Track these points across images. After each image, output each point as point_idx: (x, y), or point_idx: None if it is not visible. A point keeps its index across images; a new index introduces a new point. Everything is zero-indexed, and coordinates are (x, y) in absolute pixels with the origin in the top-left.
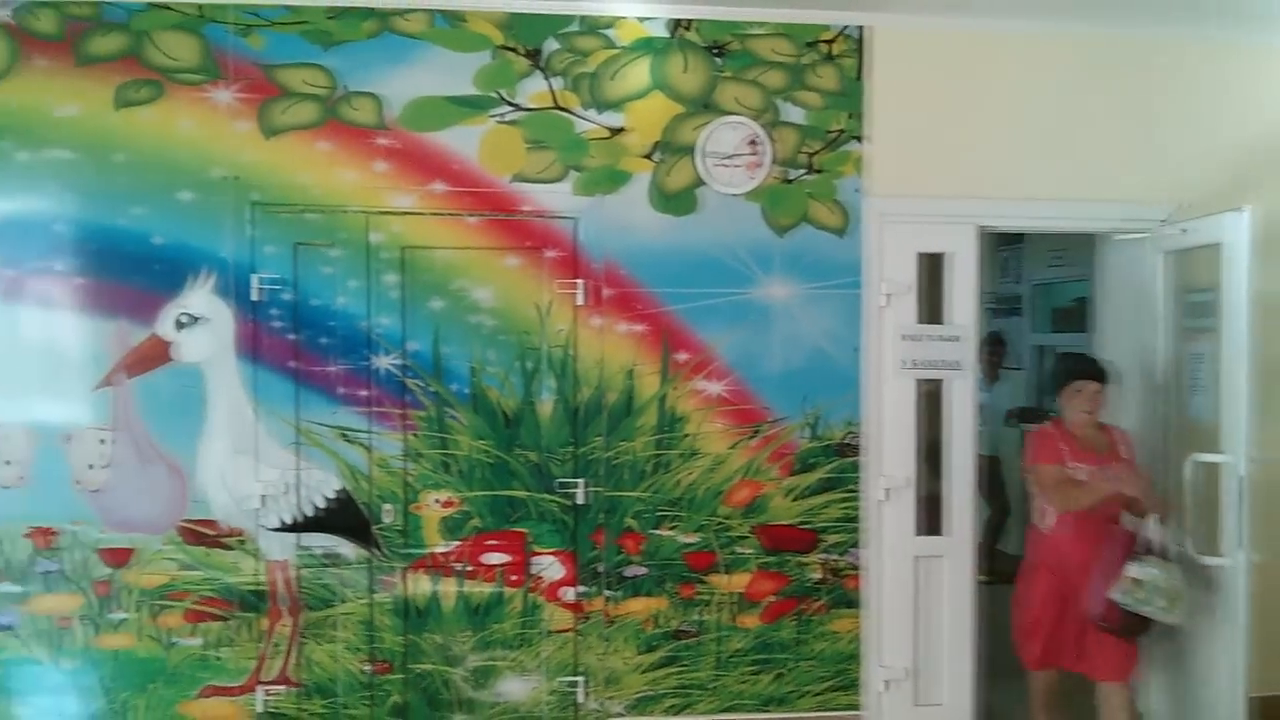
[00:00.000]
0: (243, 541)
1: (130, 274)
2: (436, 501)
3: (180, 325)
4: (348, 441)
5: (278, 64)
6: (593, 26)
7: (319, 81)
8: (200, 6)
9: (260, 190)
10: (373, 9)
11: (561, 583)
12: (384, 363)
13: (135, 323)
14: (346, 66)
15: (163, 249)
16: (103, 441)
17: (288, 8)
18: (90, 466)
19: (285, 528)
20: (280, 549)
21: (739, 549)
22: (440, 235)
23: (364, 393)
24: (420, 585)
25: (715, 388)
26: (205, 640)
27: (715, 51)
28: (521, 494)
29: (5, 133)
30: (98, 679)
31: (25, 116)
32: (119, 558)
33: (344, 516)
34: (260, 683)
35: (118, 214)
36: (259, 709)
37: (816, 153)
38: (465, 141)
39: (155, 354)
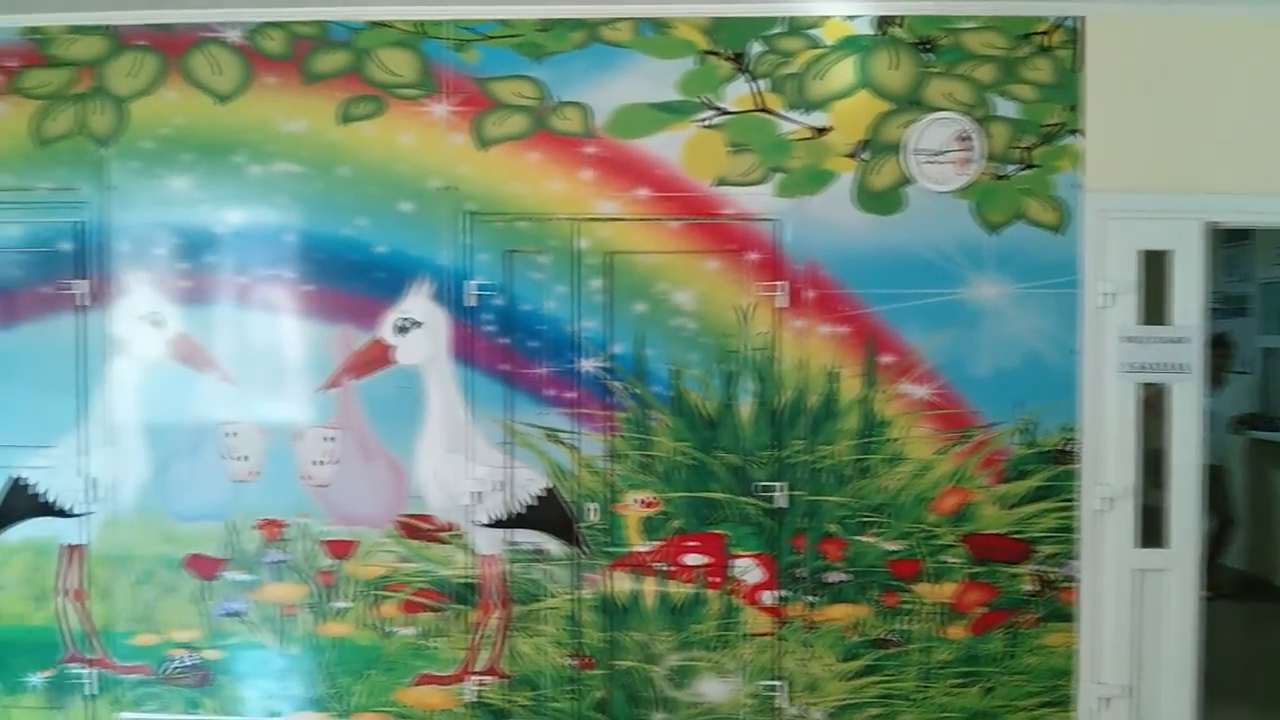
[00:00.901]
0: (456, 536)
1: (354, 281)
2: (638, 501)
3: (400, 330)
4: (554, 441)
5: (490, 77)
6: (798, 27)
7: (529, 93)
8: (418, 23)
9: (475, 200)
10: (582, 20)
11: (761, 586)
12: (589, 365)
13: (358, 327)
14: (555, 77)
15: (384, 257)
16: (328, 439)
17: (500, 22)
18: (316, 463)
19: (495, 524)
20: (491, 544)
21: (946, 558)
22: (643, 240)
23: (570, 394)
24: (622, 583)
25: (921, 391)
26: (420, 630)
27: (924, 47)
28: (721, 496)
29: (238, 147)
30: (320, 664)
31: (256, 132)
32: (341, 549)
33: (550, 514)
34: (470, 673)
35: (342, 224)
36: (469, 698)
37: (1031, 147)
38: (668, 147)
39: (377, 357)
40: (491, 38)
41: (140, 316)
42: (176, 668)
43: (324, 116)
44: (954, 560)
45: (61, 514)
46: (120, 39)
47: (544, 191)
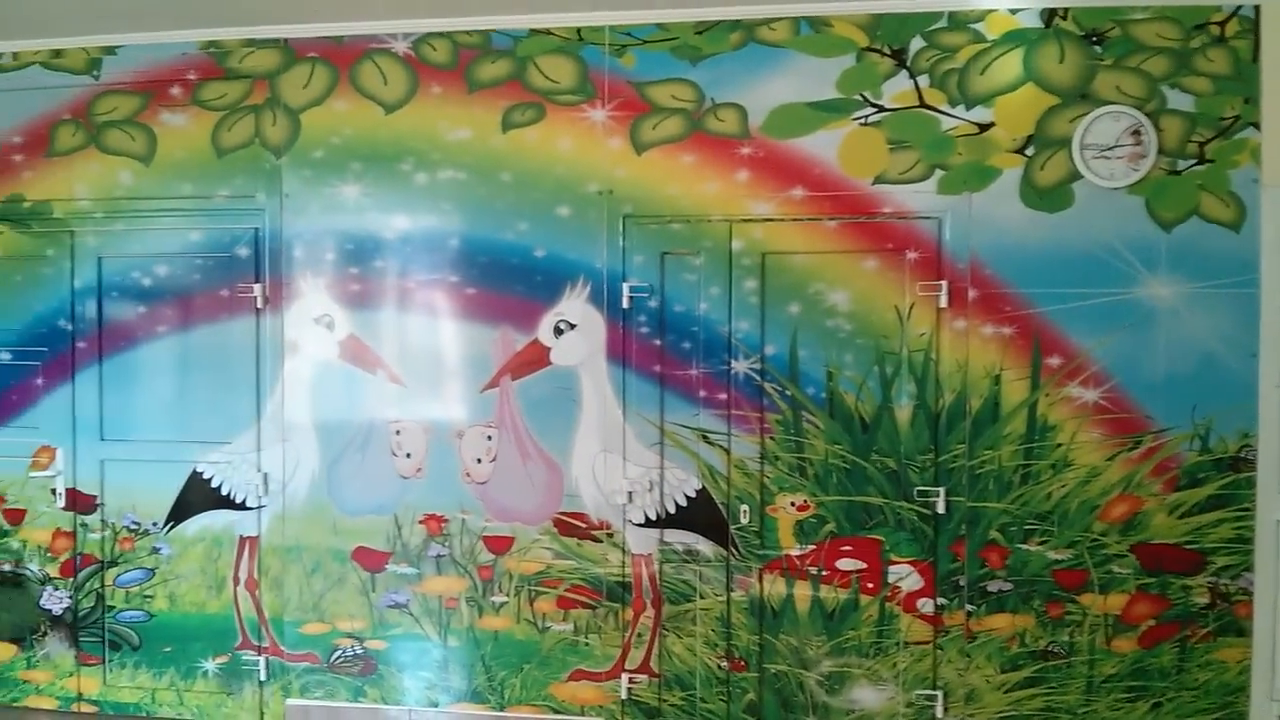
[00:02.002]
0: (610, 534)
1: (514, 284)
2: (791, 504)
3: (558, 331)
4: (707, 443)
5: (648, 81)
6: (961, 22)
7: (686, 96)
8: (578, 30)
9: (631, 203)
10: (739, 21)
11: (919, 593)
12: (742, 367)
13: (517, 329)
14: (711, 79)
15: (543, 261)
16: (489, 438)
17: (658, 25)
18: (478, 461)
19: (649, 523)
20: (644, 543)
21: (1114, 568)
22: (798, 240)
23: (723, 396)
24: (775, 586)
25: (1091, 395)
26: (575, 626)
27: (1093, 39)
28: (877, 500)
29: (406, 155)
30: (479, 657)
31: (422, 140)
32: (500, 545)
33: (702, 515)
34: (624, 670)
35: (504, 229)
36: (622, 695)
37: (1207, 141)
38: (825, 146)
39: (536, 358)
40: (648, 42)
41: (313, 319)
42: (343, 657)
43: (487, 124)
44: (1122, 570)
45: (237, 506)
46: (293, 52)
47: (699, 193)
